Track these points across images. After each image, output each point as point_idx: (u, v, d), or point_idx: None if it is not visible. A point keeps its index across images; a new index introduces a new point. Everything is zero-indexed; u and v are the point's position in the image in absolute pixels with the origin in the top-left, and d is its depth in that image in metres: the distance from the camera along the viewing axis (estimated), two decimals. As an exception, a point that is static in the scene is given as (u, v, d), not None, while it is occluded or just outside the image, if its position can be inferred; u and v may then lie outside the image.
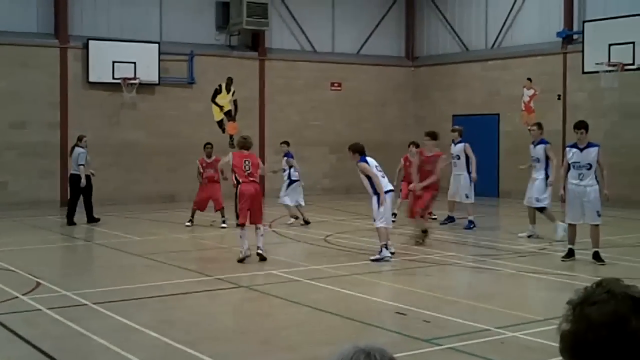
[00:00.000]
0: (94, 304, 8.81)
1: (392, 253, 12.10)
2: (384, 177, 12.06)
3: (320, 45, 24.55)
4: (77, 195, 16.61)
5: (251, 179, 12.06)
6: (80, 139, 16.81)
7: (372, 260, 11.70)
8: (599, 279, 1.80)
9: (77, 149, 16.60)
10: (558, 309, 1.92)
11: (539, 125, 14.57)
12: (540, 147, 14.27)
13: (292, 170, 16.36)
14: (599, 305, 1.70)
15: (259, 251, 11.92)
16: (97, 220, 16.78)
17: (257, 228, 12.08)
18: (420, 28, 26.00)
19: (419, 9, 25.99)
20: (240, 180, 11.93)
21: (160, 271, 11.24)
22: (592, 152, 11.52)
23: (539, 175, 14.30)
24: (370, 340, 1.82)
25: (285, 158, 16.59)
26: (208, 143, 17.00)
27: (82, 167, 16.42)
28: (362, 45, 25.27)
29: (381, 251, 11.85)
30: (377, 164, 12.10)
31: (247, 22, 21.95)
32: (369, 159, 12.02)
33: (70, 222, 16.46)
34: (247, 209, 11.93)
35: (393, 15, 25.86)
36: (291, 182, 16.33)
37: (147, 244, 13.81)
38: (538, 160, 14.25)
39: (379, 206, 11.83)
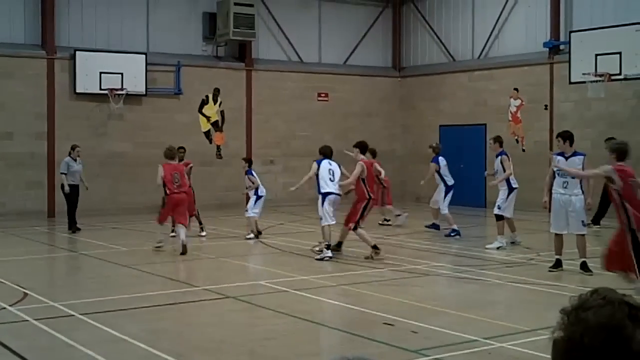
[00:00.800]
0: (81, 314, 8.77)
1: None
2: (332, 180, 13.09)
3: (307, 56, 24.61)
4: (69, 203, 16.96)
5: (181, 189, 14.05)
6: (73, 148, 17.12)
7: (316, 260, 12.82)
8: (588, 289, 1.79)
9: (65, 158, 16.94)
10: (546, 319, 1.92)
11: (495, 139, 15.14)
12: (498, 159, 14.73)
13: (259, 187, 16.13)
14: (595, 310, 1.68)
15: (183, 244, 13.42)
16: (78, 230, 16.90)
17: (180, 226, 13.88)
18: (407, 38, 26.12)
19: (406, 20, 26.11)
20: (168, 193, 13.82)
21: (147, 282, 11.19)
22: (577, 161, 11.55)
23: (502, 185, 14.69)
24: (357, 351, 1.82)
25: (247, 176, 16.19)
26: (181, 147, 16.58)
27: (63, 175, 16.80)
28: (348, 56, 25.35)
29: (321, 251, 13.00)
30: (333, 169, 13.23)
31: (234, 32, 21.98)
32: (324, 162, 13.18)
33: (73, 228, 16.90)
34: (170, 214, 14.25)
35: (380, 26, 25.97)
36: (259, 197, 16.16)
37: (134, 255, 13.76)
38: (497, 172, 14.76)
39: (322, 205, 13.08)
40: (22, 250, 14.45)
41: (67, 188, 16.67)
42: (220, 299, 9.90)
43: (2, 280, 11.04)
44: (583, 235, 11.64)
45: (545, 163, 20.98)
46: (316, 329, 8.36)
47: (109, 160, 21.05)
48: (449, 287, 11.39)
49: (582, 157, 11.65)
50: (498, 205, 14.49)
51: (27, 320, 8.50)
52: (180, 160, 16.23)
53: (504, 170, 14.55)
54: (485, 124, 22.99)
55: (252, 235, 16.03)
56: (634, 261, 9.20)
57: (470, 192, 21.45)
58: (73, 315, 8.80)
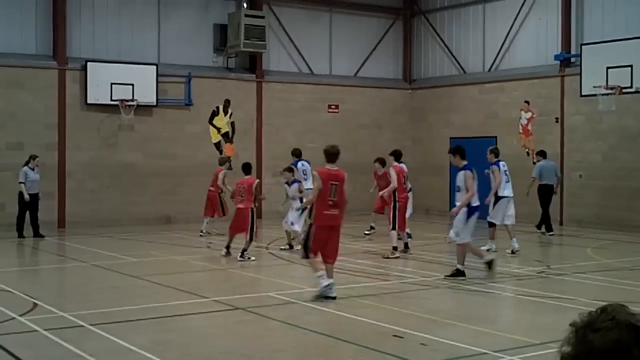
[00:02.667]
0: (91, 325, 8.76)
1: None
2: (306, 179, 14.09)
3: (317, 68, 24.64)
4: (22, 210, 17.96)
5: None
6: (32, 158, 17.93)
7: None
8: (602, 303, 1.78)
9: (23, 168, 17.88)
10: (555, 332, 1.90)
11: (492, 150, 15.65)
12: (490, 168, 15.22)
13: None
14: (603, 333, 1.68)
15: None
16: (42, 237, 17.79)
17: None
18: (418, 50, 26.13)
19: (417, 32, 26.13)
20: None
21: (156, 292, 11.18)
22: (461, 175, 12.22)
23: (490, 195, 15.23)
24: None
25: (296, 185, 15.70)
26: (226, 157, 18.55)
27: (21, 184, 17.68)
28: (359, 68, 25.37)
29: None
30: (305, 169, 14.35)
31: (245, 44, 22.04)
32: (299, 163, 14.61)
33: (20, 235, 17.76)
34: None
35: (390, 38, 25.99)
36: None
37: (143, 266, 13.76)
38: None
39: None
40: (32, 261, 14.47)
41: (27, 196, 17.58)
42: (230, 310, 9.87)
43: (12, 290, 11.07)
44: (456, 243, 12.26)
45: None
46: (325, 341, 8.32)
47: (120, 171, 21.11)
48: (458, 299, 11.32)
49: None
50: (489, 213, 15.26)
51: (37, 331, 8.50)
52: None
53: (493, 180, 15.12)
54: (496, 137, 22.92)
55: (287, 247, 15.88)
56: None
57: (482, 205, 21.32)
58: (82, 325, 8.79)
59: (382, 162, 16.52)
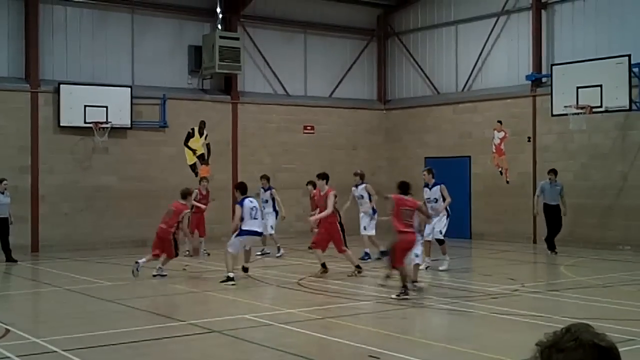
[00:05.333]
0: (64, 350, 8.68)
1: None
2: (255, 219, 14.33)
3: (292, 89, 24.74)
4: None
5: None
6: (0, 181, 17.80)
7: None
8: (574, 320, 1.82)
9: None
10: (529, 351, 1.93)
11: (429, 171, 16.19)
12: (436, 188, 15.81)
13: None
14: (567, 354, 1.72)
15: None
16: (15, 261, 17.63)
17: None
18: (392, 71, 26.34)
19: (391, 53, 26.35)
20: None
21: (131, 317, 11.11)
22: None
23: (442, 213, 15.84)
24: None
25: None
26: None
27: None
28: (334, 89, 25.51)
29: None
30: (252, 207, 14.40)
31: (220, 66, 22.08)
32: (246, 201, 14.46)
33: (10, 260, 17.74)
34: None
35: (365, 59, 26.19)
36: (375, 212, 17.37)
37: (118, 289, 13.66)
38: (436, 200, 15.78)
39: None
40: (4, 286, 14.31)
41: None
42: (205, 333, 9.83)
43: (-16, 316, 10.92)
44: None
45: (529, 194, 21.15)
46: (301, 363, 8.30)
47: (94, 194, 20.96)
48: (434, 319, 11.37)
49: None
50: (440, 231, 15.82)
51: (9, 357, 8.39)
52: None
53: (444, 199, 15.66)
54: (469, 156, 23.14)
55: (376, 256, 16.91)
56: None
57: (455, 224, 21.48)
58: (55, 351, 8.70)
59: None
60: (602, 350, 1.72)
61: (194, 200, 18.48)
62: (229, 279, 14.02)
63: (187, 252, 18.27)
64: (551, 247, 18.51)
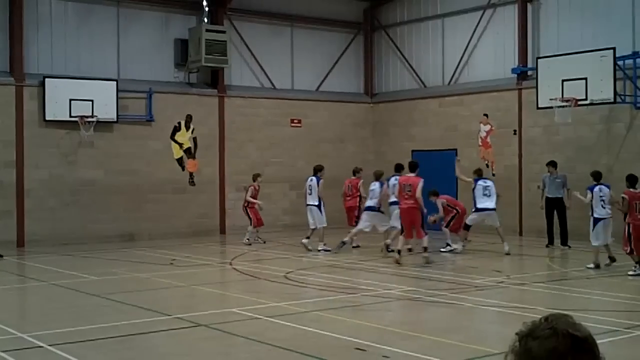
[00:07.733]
0: (50, 345, 8.66)
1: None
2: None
3: (279, 82, 24.71)
4: None
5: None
6: None
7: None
8: (556, 311, 1.84)
9: None
10: (510, 340, 1.95)
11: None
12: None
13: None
14: (541, 341, 1.74)
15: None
16: (1, 256, 17.51)
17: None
18: (379, 65, 26.35)
19: (377, 46, 26.36)
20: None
21: (117, 311, 11.09)
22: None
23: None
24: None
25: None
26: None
27: None
28: (321, 82, 25.49)
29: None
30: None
31: (206, 59, 22.01)
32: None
33: None
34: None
35: (351, 52, 26.18)
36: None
37: (105, 284, 13.63)
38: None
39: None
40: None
41: None
42: (192, 327, 9.83)
43: (-30, 311, 10.87)
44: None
45: (515, 187, 21.24)
46: (289, 356, 8.32)
47: (80, 188, 20.88)
48: (420, 311, 11.41)
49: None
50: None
51: (-5, 352, 8.37)
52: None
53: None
54: (456, 149, 23.17)
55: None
56: None
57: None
58: (42, 346, 8.68)
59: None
60: (576, 340, 1.74)
61: (250, 196, 20.09)
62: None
63: (247, 241, 19.76)
64: (563, 241, 18.46)
